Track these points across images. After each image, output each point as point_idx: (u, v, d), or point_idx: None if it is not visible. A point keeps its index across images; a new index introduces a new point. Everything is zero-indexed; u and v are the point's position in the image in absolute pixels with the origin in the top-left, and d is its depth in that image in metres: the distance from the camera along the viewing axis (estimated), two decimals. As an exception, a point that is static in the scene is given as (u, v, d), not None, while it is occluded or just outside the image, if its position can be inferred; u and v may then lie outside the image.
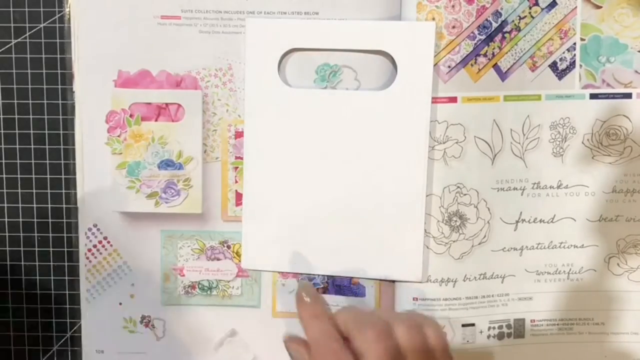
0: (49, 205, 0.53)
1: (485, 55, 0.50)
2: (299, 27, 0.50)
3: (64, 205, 0.53)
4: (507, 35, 0.50)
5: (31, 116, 0.53)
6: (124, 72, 0.51)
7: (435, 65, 0.50)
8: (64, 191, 0.53)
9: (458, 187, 0.51)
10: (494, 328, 0.52)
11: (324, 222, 0.51)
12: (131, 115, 0.51)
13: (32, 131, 0.53)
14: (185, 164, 0.51)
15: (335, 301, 0.52)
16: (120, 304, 0.53)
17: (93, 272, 0.52)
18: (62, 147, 0.53)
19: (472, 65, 0.50)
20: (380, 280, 0.52)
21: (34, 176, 0.53)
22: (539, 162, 0.51)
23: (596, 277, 0.52)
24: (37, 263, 0.54)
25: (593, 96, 0.51)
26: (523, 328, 0.52)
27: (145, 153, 0.51)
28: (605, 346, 0.53)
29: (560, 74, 0.51)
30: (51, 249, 0.53)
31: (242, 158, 0.51)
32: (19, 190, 0.53)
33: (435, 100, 0.50)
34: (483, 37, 0.50)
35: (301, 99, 0.50)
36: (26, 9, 0.52)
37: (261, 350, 0.53)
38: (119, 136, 0.51)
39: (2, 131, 0.53)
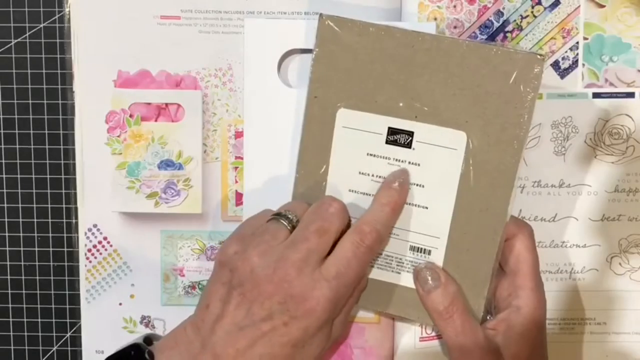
0: (49, 205, 0.53)
1: (486, 55, 0.50)
2: (299, 27, 0.50)
3: (64, 205, 0.53)
4: (509, 34, 0.50)
5: (31, 116, 0.53)
6: (124, 72, 0.51)
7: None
8: (64, 191, 0.53)
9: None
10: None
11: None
12: (131, 116, 0.51)
13: (32, 131, 0.53)
14: (185, 164, 0.51)
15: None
16: (120, 304, 0.53)
17: (93, 272, 0.52)
18: (62, 147, 0.53)
19: (473, 65, 0.50)
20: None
21: (34, 176, 0.53)
22: (539, 160, 0.51)
23: (598, 276, 0.52)
24: (37, 263, 0.54)
25: (596, 95, 0.51)
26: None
27: (145, 153, 0.51)
28: (607, 346, 0.53)
29: (563, 72, 0.51)
30: (51, 249, 0.53)
31: (242, 158, 0.51)
32: (19, 190, 0.53)
33: (436, 100, 0.50)
34: (485, 37, 0.50)
35: (301, 99, 0.50)
36: (26, 9, 0.52)
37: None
38: (118, 136, 0.51)
39: (2, 131, 0.53)
